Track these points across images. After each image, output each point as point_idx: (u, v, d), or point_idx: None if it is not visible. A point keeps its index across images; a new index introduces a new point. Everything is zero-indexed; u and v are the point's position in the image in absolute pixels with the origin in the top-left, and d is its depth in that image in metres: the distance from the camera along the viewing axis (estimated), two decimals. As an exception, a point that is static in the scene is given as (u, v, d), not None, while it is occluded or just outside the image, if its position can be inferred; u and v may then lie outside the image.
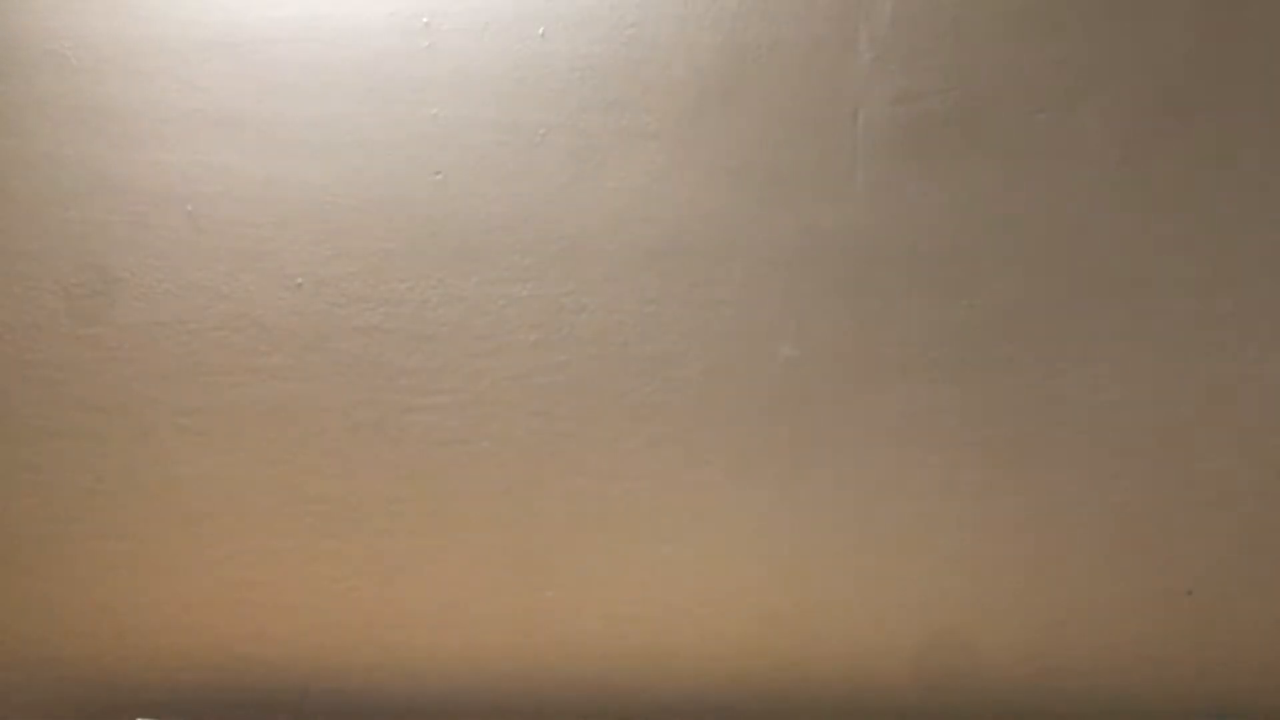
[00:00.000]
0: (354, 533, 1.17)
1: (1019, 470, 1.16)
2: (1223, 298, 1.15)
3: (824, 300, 1.16)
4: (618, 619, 1.17)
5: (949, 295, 1.16)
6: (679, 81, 1.17)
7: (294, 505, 1.17)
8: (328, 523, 1.17)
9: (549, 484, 1.17)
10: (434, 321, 1.17)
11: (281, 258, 1.17)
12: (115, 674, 1.19)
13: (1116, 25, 1.16)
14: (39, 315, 1.18)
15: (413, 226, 1.17)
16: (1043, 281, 1.16)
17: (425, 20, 1.18)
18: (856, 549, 1.16)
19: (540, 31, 1.18)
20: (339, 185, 1.18)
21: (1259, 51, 1.15)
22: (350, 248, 1.17)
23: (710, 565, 1.17)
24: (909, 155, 1.16)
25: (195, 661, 1.18)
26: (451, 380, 1.17)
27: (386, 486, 1.17)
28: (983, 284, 1.16)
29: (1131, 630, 1.16)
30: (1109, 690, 1.16)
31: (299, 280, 1.17)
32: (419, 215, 1.18)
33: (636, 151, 1.17)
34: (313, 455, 1.17)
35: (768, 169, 1.17)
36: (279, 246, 1.17)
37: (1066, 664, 1.16)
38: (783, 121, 1.17)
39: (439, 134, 1.18)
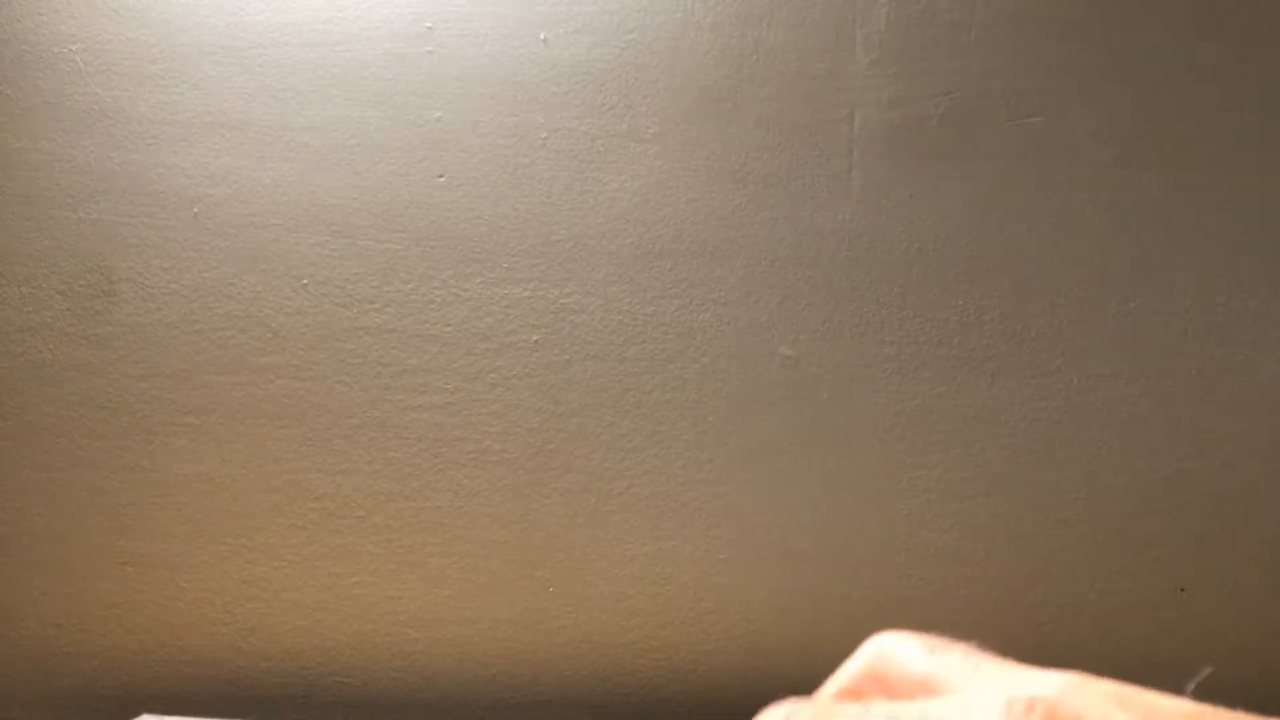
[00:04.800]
0: (358, 530, 1.18)
1: (1013, 469, 1.17)
2: (1217, 298, 1.16)
3: (821, 300, 1.18)
4: (619, 615, 1.18)
5: (944, 295, 1.17)
6: (678, 86, 1.19)
7: (298, 503, 1.18)
8: (332, 520, 1.18)
9: (550, 482, 1.18)
10: (437, 322, 1.19)
11: (287, 259, 1.19)
12: (119, 670, 1.19)
13: (1111, 29, 1.17)
14: (45, 316, 1.19)
15: (417, 228, 1.19)
16: (1037, 282, 1.17)
17: (429, 25, 1.19)
18: (854, 546, 1.17)
19: (542, 37, 1.19)
20: (344, 188, 1.19)
21: (1253, 54, 1.16)
22: (355, 249, 1.19)
23: (709, 563, 1.18)
24: (905, 157, 1.17)
25: (199, 658, 1.19)
26: (454, 379, 1.18)
27: (390, 484, 1.18)
28: (977, 284, 1.17)
29: (1124, 628, 1.16)
30: (1104, 686, 1.16)
31: (304, 281, 1.18)
32: (423, 217, 1.19)
33: (637, 154, 1.18)
34: (317, 453, 1.18)
35: (766, 171, 1.18)
36: (285, 248, 1.19)
37: (1059, 662, 1.17)
38: (780, 124, 1.18)
39: (442, 138, 1.19)
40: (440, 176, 1.19)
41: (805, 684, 1.18)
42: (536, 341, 1.18)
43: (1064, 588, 1.17)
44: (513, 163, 1.19)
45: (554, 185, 1.19)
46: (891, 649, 0.30)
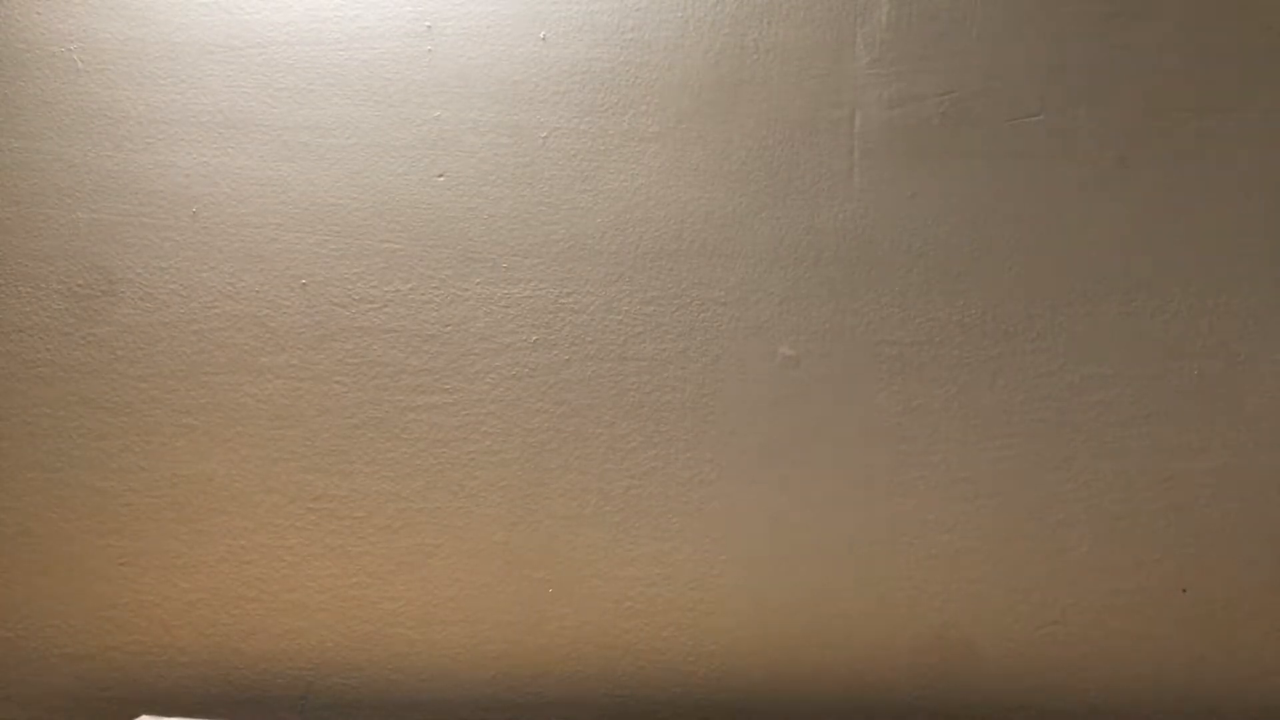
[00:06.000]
0: (356, 531, 1.18)
1: (1014, 469, 1.17)
2: (1216, 297, 1.16)
3: (821, 300, 1.18)
4: (617, 616, 1.18)
5: (944, 295, 1.17)
6: (678, 84, 1.18)
7: (297, 503, 1.18)
8: (330, 521, 1.18)
9: (549, 482, 1.18)
10: (436, 321, 1.18)
11: (286, 259, 1.18)
12: (119, 671, 1.19)
13: (1111, 29, 1.17)
14: (44, 316, 1.19)
15: (416, 228, 1.19)
16: (1037, 282, 1.17)
17: (428, 24, 1.19)
18: (853, 547, 1.17)
19: (542, 35, 1.19)
20: (342, 187, 1.19)
21: (1252, 53, 1.16)
22: (354, 249, 1.18)
23: (709, 563, 1.18)
24: (905, 157, 1.17)
25: (198, 659, 1.19)
26: (453, 380, 1.18)
27: (388, 485, 1.18)
28: (978, 284, 1.17)
29: (1126, 628, 1.16)
30: (1104, 688, 1.16)
31: (303, 281, 1.18)
32: (422, 217, 1.19)
33: (637, 153, 1.18)
34: (315, 454, 1.18)
35: (766, 170, 1.18)
36: (283, 248, 1.19)
37: (1062, 662, 1.17)
38: (781, 124, 1.18)
39: (442, 136, 1.19)
40: (440, 175, 1.19)
41: (806, 685, 1.18)
42: (536, 341, 1.18)
43: (1065, 588, 1.16)
44: (512, 162, 1.19)
45: (553, 184, 1.18)
46: None
